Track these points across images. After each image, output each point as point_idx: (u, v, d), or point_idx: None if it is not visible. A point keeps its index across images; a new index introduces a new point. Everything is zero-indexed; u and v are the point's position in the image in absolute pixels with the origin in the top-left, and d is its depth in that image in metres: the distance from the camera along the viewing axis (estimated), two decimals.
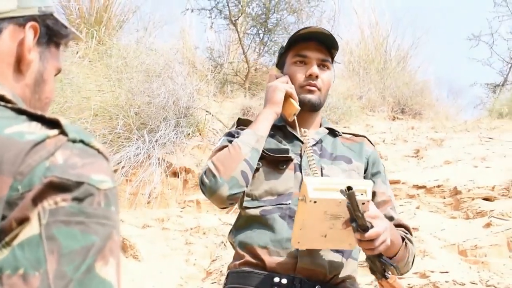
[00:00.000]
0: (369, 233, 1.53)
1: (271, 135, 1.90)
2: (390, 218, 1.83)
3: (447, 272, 3.56)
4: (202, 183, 1.77)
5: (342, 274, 1.77)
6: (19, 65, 0.92)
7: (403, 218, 1.93)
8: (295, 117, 1.88)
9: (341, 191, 1.48)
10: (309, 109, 1.91)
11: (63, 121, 0.78)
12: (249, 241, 1.78)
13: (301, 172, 1.83)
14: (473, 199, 4.46)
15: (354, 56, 9.67)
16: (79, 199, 0.72)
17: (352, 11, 10.35)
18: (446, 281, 3.45)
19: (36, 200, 0.70)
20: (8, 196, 0.70)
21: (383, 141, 6.35)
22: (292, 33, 1.97)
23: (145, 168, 5.28)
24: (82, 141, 0.77)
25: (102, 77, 6.09)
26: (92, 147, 0.78)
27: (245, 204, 1.83)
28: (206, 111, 6.12)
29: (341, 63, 9.37)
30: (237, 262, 1.80)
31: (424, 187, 4.77)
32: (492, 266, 3.66)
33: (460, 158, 5.41)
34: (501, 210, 4.21)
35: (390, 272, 1.69)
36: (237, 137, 1.84)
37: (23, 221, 0.70)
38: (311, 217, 1.57)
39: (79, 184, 0.73)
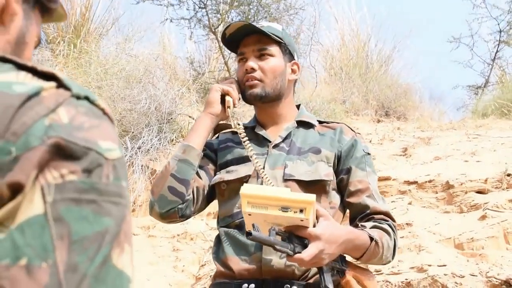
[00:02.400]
0: (293, 259, 1.52)
1: (238, 141, 1.89)
2: (365, 207, 1.80)
3: (445, 266, 3.46)
4: None
5: (315, 268, 1.70)
6: (2, 14, 0.77)
7: (383, 205, 1.83)
8: (230, 111, 1.87)
9: (246, 234, 1.46)
10: (259, 102, 1.89)
11: (61, 74, 0.63)
12: (221, 253, 1.80)
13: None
14: (466, 193, 4.37)
15: (335, 61, 9.62)
16: (88, 171, 0.58)
17: (332, 18, 10.34)
18: (445, 274, 3.34)
19: (40, 166, 0.56)
20: None
21: (370, 141, 6.27)
22: None
23: (129, 176, 5.13)
24: (87, 98, 0.63)
25: (81, 85, 5.95)
26: (97, 106, 0.64)
27: (220, 224, 1.86)
28: (189, 116, 6.00)
29: (314, 66, 9.27)
30: (214, 275, 1.83)
31: (415, 182, 4.68)
32: (490, 258, 3.56)
33: (449, 154, 5.34)
34: (495, 202, 4.12)
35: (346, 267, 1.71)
36: (205, 149, 1.88)
37: (17, 188, 0.55)
38: (252, 221, 1.53)
39: (87, 150, 0.59)
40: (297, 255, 1.50)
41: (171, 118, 5.71)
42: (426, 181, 4.66)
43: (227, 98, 1.86)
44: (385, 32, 12.12)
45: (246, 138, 1.83)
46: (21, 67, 0.63)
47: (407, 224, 4.00)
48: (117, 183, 0.61)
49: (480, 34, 10.93)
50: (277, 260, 1.69)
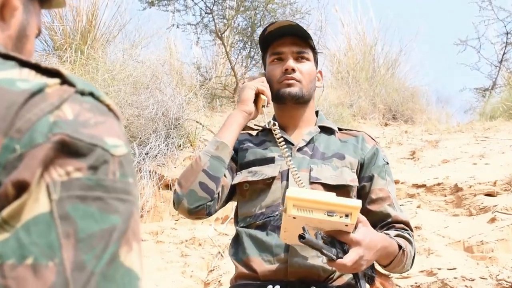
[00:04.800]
0: (335, 264, 1.51)
1: (261, 142, 1.91)
2: (387, 216, 1.80)
3: (454, 269, 3.44)
4: (172, 199, 1.80)
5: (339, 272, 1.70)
6: (2, 10, 0.76)
7: (402, 214, 1.83)
8: (264, 109, 1.86)
9: (299, 236, 1.44)
10: (293, 102, 1.88)
11: (65, 71, 0.62)
12: (242, 254, 1.77)
13: (287, 180, 1.80)
14: (475, 195, 4.35)
15: (342, 65, 9.61)
16: (94, 168, 0.57)
17: (339, 22, 10.33)
18: (455, 278, 3.32)
19: (45, 163, 0.55)
20: (2, 158, 0.55)
21: None
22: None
23: (136, 182, 5.13)
24: (91, 94, 0.62)
25: None
26: (102, 102, 0.63)
27: (239, 224, 1.84)
28: (197, 122, 6.00)
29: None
30: (234, 276, 1.79)
31: (424, 186, 4.67)
32: (500, 261, 3.54)
33: (457, 157, 5.32)
34: (504, 204, 4.10)
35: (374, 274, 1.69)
36: None
37: (22, 186, 0.54)
38: (293, 226, 1.53)
39: (92, 147, 0.58)
40: (339, 260, 1.49)
41: (179, 124, 5.71)
42: (434, 184, 4.64)
43: (262, 96, 1.85)
44: (391, 36, 12.16)
45: (282, 138, 1.81)
46: (24, 64, 0.63)
47: (416, 227, 3.98)
48: (124, 179, 0.60)
49: (486, 36, 10.87)
50: (303, 262, 1.68)
